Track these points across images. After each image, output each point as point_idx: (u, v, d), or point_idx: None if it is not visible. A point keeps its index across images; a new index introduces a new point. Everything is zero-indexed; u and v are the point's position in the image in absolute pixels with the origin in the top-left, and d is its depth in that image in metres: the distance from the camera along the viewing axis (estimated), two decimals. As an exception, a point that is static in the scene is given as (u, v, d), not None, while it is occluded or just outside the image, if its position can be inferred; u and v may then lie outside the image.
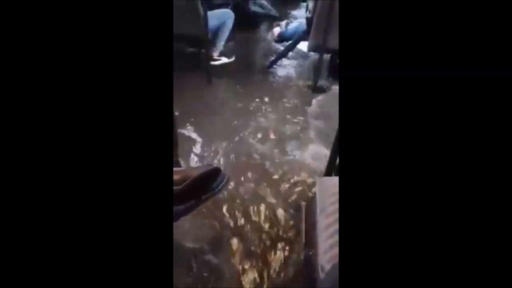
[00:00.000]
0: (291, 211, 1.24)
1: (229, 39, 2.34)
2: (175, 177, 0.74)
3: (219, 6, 2.28)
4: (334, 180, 0.98)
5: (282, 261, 1.07)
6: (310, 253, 0.95)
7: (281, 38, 2.65)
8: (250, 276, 1.03)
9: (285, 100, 2.04)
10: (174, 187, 0.72)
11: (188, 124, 1.71)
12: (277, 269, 1.05)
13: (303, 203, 1.20)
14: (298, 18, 2.95)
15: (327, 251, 0.76)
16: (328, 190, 0.92)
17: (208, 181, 0.81)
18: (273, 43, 2.73)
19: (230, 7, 2.34)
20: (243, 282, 1.00)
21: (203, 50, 2.19)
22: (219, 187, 0.86)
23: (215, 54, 2.32)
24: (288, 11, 3.30)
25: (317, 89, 2.14)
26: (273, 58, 2.46)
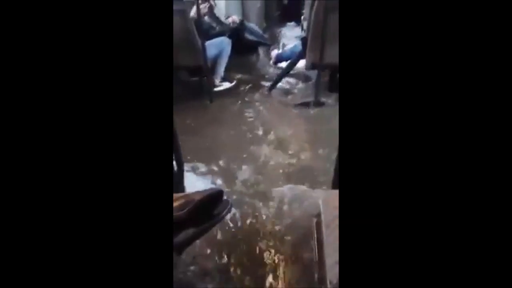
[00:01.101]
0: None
1: (228, 65, 2.43)
2: (177, 202, 0.76)
3: (216, 35, 2.39)
4: (337, 193, 0.98)
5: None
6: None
7: (278, 59, 2.73)
8: None
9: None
10: (176, 213, 0.73)
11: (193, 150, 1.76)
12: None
13: (314, 219, 1.19)
14: (291, 38, 3.05)
15: (334, 266, 0.76)
16: (332, 203, 0.92)
17: (211, 205, 0.81)
18: (272, 65, 2.81)
19: (227, 35, 2.45)
20: None
21: (204, 78, 2.27)
22: (223, 213, 0.86)
23: (217, 81, 2.40)
24: (280, 31, 3.41)
25: (318, 104, 2.18)
26: (273, 79, 2.53)
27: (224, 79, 2.43)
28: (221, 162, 1.67)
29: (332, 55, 2.00)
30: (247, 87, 2.47)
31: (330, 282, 0.72)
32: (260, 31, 2.91)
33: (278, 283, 1.07)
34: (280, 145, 1.82)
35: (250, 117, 2.11)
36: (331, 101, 2.19)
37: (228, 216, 0.92)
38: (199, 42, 1.99)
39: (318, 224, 1.00)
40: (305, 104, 2.22)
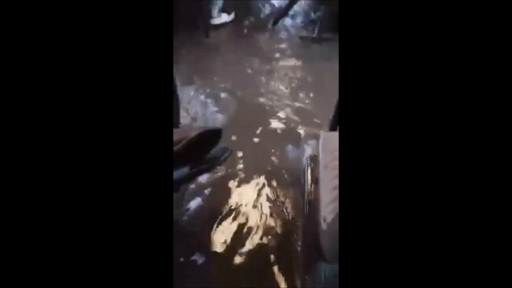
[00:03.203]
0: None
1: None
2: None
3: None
4: (336, 134, 0.96)
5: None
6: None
7: None
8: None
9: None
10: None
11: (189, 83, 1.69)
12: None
13: (306, 158, 1.20)
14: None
15: (329, 204, 0.77)
16: (332, 145, 0.91)
17: (207, 143, 0.79)
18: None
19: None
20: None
21: (201, 10, 2.08)
22: (221, 158, 0.84)
23: (215, 12, 2.21)
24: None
25: (316, 41, 2.10)
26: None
27: (222, 10, 2.23)
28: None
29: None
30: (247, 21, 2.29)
31: (324, 219, 0.74)
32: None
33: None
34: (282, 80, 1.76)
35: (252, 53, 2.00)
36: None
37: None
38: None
39: (315, 164, 1.00)
40: (309, 38, 2.13)
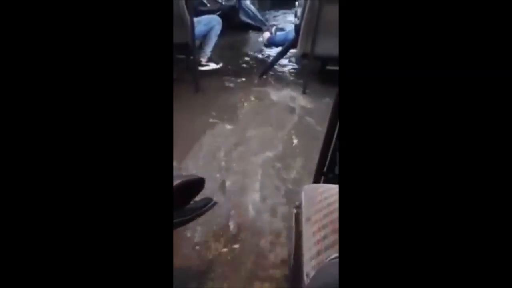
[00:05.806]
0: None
1: (216, 44, 2.35)
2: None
3: (207, 12, 2.29)
4: (319, 187, 0.98)
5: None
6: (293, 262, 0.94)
7: (270, 43, 2.69)
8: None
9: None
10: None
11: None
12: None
13: (294, 211, 1.20)
14: (284, 22, 3.00)
15: (312, 258, 0.76)
16: (314, 198, 0.92)
17: (188, 193, 0.77)
18: (263, 47, 2.76)
19: (218, 13, 2.35)
20: None
21: (191, 57, 2.18)
22: (203, 209, 0.82)
23: (203, 60, 2.32)
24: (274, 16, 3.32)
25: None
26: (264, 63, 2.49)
27: (210, 59, 2.35)
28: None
29: (324, 46, 1.98)
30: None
31: (307, 275, 0.73)
32: (257, 13, 2.82)
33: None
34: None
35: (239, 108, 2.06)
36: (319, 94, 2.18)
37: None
38: (188, 17, 1.89)
39: (297, 216, 1.00)
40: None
